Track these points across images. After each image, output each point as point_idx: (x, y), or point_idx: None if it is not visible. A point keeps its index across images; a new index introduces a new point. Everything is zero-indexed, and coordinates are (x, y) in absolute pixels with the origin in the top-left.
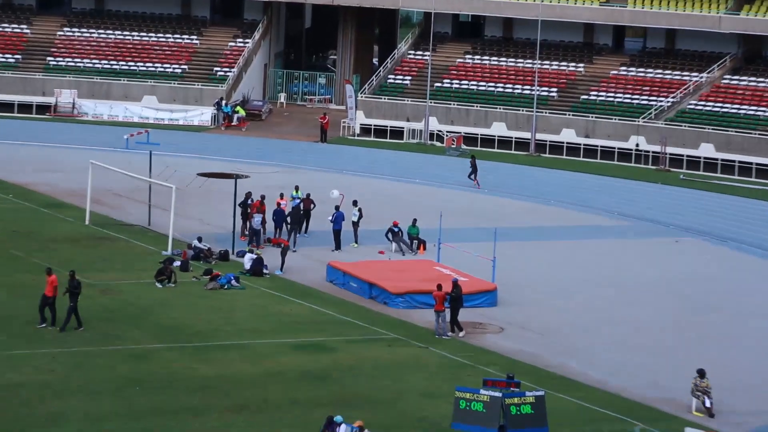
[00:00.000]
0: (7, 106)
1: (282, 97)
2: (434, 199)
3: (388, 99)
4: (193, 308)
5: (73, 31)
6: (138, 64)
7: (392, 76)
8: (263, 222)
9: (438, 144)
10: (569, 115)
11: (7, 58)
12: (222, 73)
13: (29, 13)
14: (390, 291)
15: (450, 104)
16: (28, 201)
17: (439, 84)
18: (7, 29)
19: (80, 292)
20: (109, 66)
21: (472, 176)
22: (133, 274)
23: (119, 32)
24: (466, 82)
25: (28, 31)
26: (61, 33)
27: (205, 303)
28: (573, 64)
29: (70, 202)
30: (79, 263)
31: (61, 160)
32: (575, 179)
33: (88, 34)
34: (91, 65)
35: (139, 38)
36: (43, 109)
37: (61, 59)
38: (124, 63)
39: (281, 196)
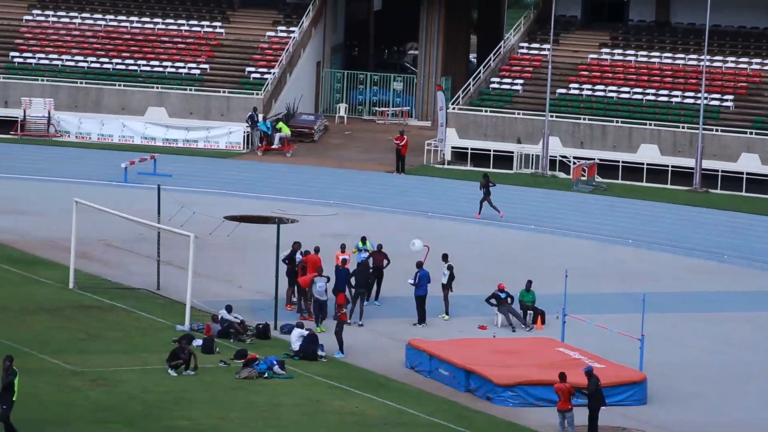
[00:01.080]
0: None
1: (342, 109)
2: (556, 253)
3: (491, 111)
4: (221, 405)
5: (47, 15)
6: (140, 62)
7: (497, 80)
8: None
9: (562, 175)
10: (751, 133)
11: None
12: (257, 76)
13: None
14: (495, 381)
15: (579, 119)
16: None
17: (563, 90)
18: None
19: (15, 391)
20: (99, 65)
21: (487, 202)
22: (135, 357)
23: (112, 17)
24: (601, 87)
25: None
26: (29, 17)
27: (237, 397)
28: (757, 60)
29: (47, 257)
30: (58, 342)
31: (33, 199)
32: (760, 226)
33: (67, 20)
34: (73, 63)
35: (140, 25)
36: (5, 125)
37: (29, 55)
38: (119, 61)
39: (342, 248)
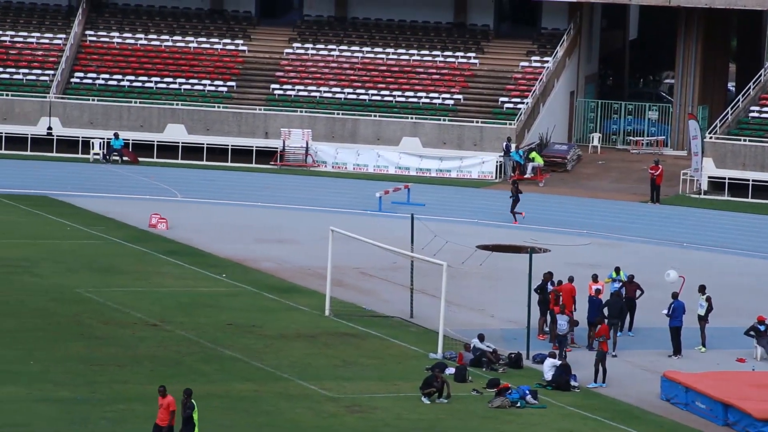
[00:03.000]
0: (218, 153)
1: (595, 138)
2: None
3: (750, 141)
4: None
5: (306, 48)
6: (395, 93)
7: (756, 108)
8: (572, 323)
9: None
10: None
11: (217, 86)
12: (510, 105)
13: (246, 24)
14: (755, 416)
15: None
16: (248, 283)
17: None
18: (216, 45)
19: (195, 424)
20: (355, 96)
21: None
22: (389, 384)
23: (369, 49)
24: None
25: (245, 48)
26: (290, 51)
27: (489, 426)
28: None
29: (304, 284)
30: (315, 368)
31: (291, 227)
32: None
33: (325, 52)
34: (330, 95)
35: (396, 57)
36: (266, 156)
37: (289, 87)
38: (375, 92)
39: (594, 278)
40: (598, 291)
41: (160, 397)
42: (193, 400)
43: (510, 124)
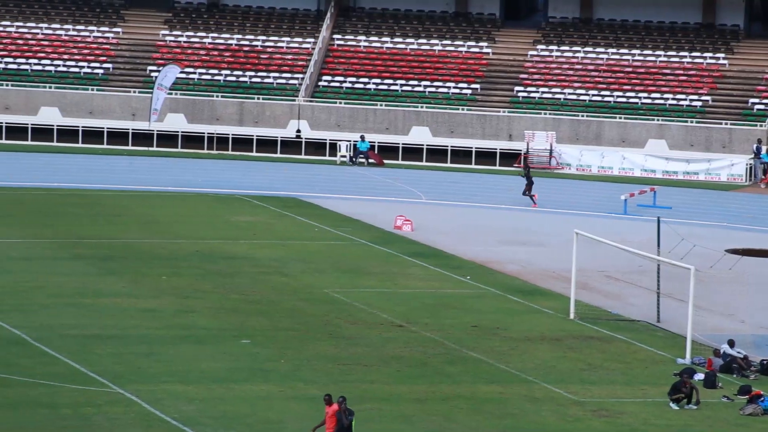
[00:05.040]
0: (462, 155)
1: None
2: None
3: None
4: None
5: (551, 50)
6: (640, 95)
7: None
8: None
9: None
10: None
11: (461, 88)
12: (762, 107)
13: (490, 26)
14: None
15: None
16: (492, 285)
17: None
18: (460, 47)
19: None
20: (599, 98)
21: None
22: (636, 389)
23: (613, 49)
24: None
25: (489, 50)
26: (534, 53)
27: None
28: None
29: (547, 287)
30: (560, 371)
31: (535, 230)
32: None
33: (570, 54)
34: (574, 97)
35: (642, 57)
36: (509, 158)
37: (533, 89)
38: (620, 94)
39: None
40: None
41: (327, 406)
42: (350, 408)
43: (761, 126)
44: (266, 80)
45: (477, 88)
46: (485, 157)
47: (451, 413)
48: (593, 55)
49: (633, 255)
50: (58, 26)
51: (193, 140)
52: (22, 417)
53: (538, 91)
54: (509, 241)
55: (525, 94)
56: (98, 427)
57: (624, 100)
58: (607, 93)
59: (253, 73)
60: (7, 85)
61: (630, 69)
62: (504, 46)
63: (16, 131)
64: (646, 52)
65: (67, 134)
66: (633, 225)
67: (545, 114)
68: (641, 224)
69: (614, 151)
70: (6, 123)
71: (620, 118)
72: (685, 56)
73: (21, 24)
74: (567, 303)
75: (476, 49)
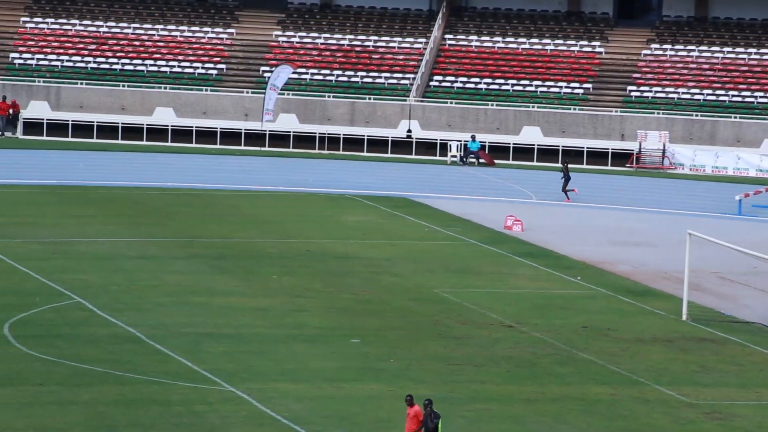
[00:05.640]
0: (573, 155)
1: None
2: None
3: None
4: None
5: (665, 49)
6: (756, 94)
7: None
8: None
9: None
10: None
11: (573, 88)
12: None
13: (603, 25)
14: None
15: None
16: (602, 285)
17: None
18: (573, 47)
19: None
20: (714, 97)
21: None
22: (750, 391)
23: (728, 48)
24: None
25: (602, 49)
26: (647, 51)
27: None
28: None
29: (660, 288)
30: (672, 373)
31: (647, 230)
32: None
33: (684, 53)
34: (688, 96)
35: (759, 56)
36: (621, 158)
37: (646, 88)
38: (735, 93)
39: None
40: None
41: (408, 407)
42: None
43: None
44: (377, 80)
45: (589, 88)
46: (597, 156)
47: (561, 414)
48: (708, 54)
49: (747, 256)
50: (173, 27)
51: (304, 140)
52: (136, 414)
53: (651, 91)
54: (620, 242)
55: (638, 94)
56: (210, 425)
57: (739, 99)
58: (722, 92)
59: (364, 74)
60: (123, 86)
61: (746, 68)
62: (617, 45)
63: (132, 131)
64: (762, 50)
65: (181, 134)
66: (748, 226)
67: (658, 114)
68: (756, 225)
69: (729, 150)
70: (122, 123)
71: (735, 117)
72: None
73: (137, 25)
74: (679, 304)
75: (588, 49)
